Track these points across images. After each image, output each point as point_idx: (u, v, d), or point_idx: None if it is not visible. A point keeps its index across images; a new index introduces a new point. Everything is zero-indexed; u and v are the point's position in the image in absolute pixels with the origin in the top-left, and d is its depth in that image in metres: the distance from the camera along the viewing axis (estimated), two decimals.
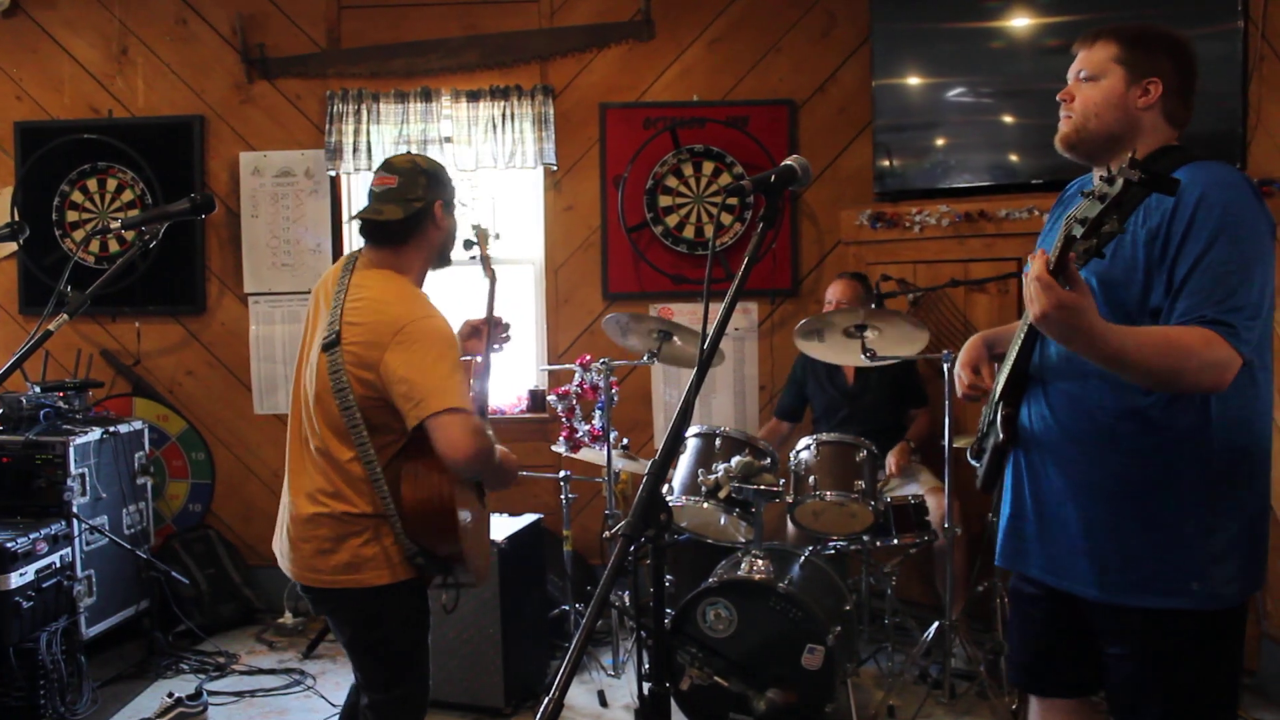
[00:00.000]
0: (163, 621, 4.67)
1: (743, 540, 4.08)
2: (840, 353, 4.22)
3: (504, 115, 5.06)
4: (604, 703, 4.06)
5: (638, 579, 3.91)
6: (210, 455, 5.38)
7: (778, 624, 3.54)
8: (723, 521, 4.09)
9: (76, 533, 4.16)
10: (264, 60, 5.20)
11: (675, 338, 4.20)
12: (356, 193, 5.33)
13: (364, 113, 5.10)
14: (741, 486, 3.80)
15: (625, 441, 4.54)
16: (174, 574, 4.53)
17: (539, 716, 1.48)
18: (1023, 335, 2.22)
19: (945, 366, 3.85)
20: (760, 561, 3.66)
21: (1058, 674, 2.33)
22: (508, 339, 3.08)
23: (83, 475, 4.27)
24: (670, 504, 3.53)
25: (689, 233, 5.14)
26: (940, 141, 4.81)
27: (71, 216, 5.29)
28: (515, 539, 4.00)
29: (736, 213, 5.12)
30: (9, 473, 4.15)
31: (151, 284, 5.27)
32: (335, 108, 5.10)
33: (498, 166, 5.08)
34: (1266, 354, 2.01)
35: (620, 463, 4.36)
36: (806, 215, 5.16)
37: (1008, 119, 4.66)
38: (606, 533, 4.34)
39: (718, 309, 1.89)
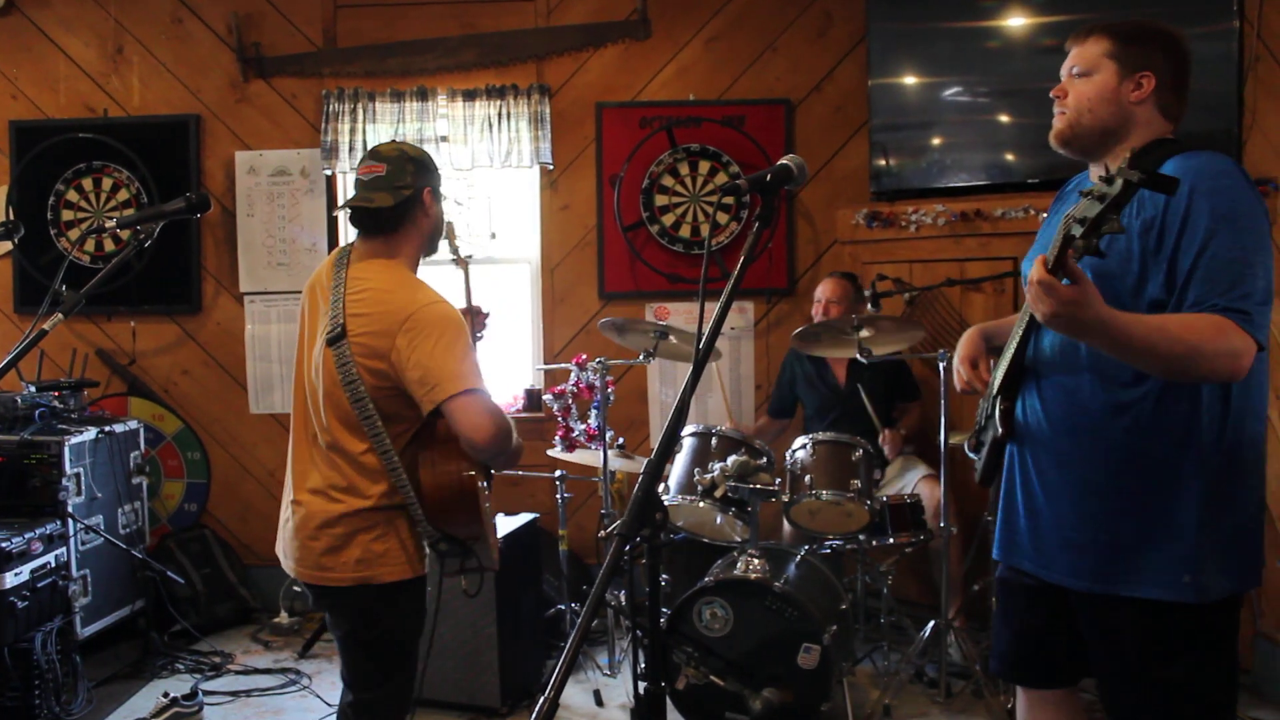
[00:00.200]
0: (158, 621, 4.66)
1: (739, 539, 4.08)
2: (836, 351, 4.24)
3: (500, 114, 5.06)
4: (600, 702, 4.06)
5: (633, 578, 3.91)
6: (206, 455, 5.37)
7: (774, 623, 3.54)
8: (719, 520, 4.09)
9: (71, 532, 4.16)
10: (260, 59, 5.20)
11: (671, 336, 4.20)
12: (352, 192, 5.31)
13: (360, 112, 5.09)
14: (737, 485, 3.81)
15: (621, 441, 4.54)
16: (169, 574, 4.53)
17: (535, 716, 1.48)
18: (1021, 329, 2.23)
19: (941, 365, 3.85)
20: (756, 561, 3.66)
21: (1040, 664, 2.34)
22: (486, 326, 3.07)
23: (78, 475, 4.26)
24: (666, 503, 3.54)
25: (685, 232, 5.14)
26: (936, 141, 4.82)
27: (67, 216, 5.28)
28: (511, 538, 4.00)
29: (733, 212, 5.12)
30: (4, 472, 4.14)
31: (147, 283, 5.26)
32: (331, 107, 5.10)
33: (494, 166, 5.08)
34: (1263, 346, 2.01)
35: (616, 462, 4.36)
36: (802, 214, 5.16)
37: (1004, 118, 4.66)
38: (602, 532, 4.34)
39: (714, 308, 1.89)
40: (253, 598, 5.17)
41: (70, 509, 4.16)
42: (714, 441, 4.04)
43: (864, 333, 4.01)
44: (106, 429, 4.50)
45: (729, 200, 5.08)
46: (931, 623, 4.00)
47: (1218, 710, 2.13)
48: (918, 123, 4.85)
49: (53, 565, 3.99)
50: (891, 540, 4.01)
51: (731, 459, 3.86)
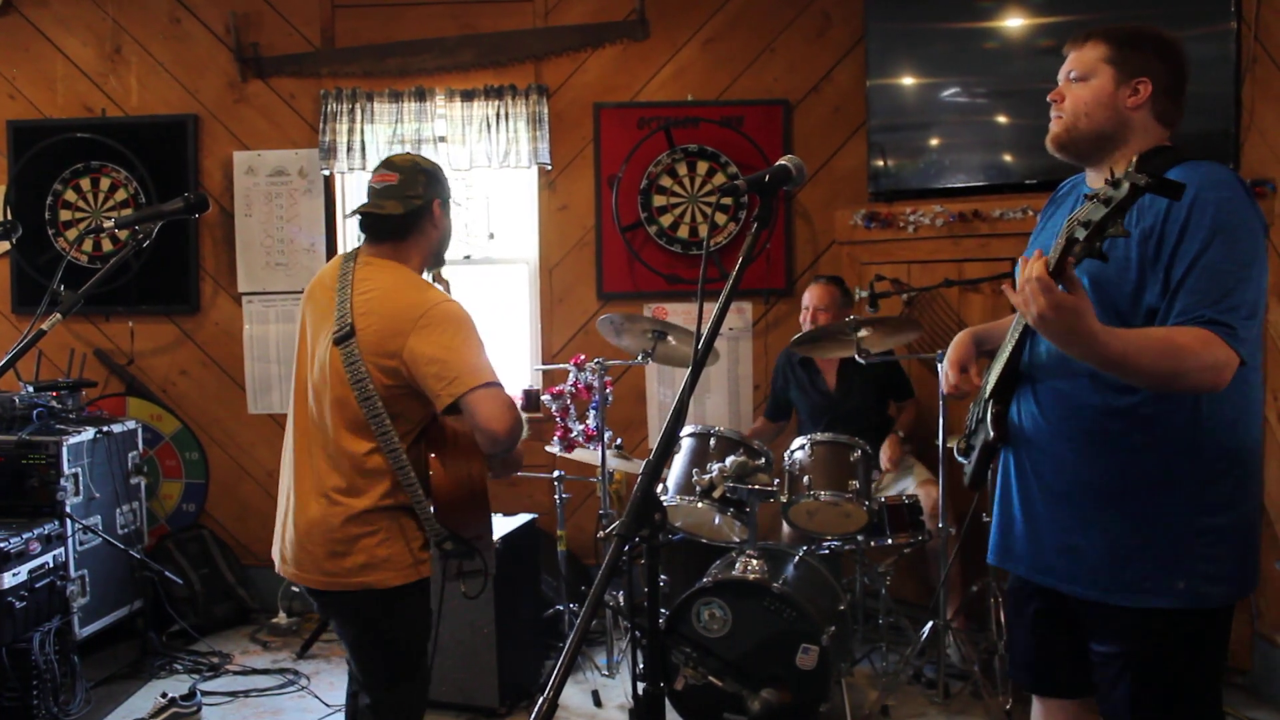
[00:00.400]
0: (156, 622, 4.66)
1: (737, 540, 4.08)
2: (836, 351, 4.25)
3: (498, 115, 5.06)
4: (598, 703, 4.06)
5: (632, 578, 3.91)
6: (204, 455, 5.37)
7: (772, 624, 3.54)
8: (717, 521, 4.09)
9: (70, 533, 4.16)
10: (258, 59, 5.20)
11: (669, 337, 4.20)
12: (350, 192, 5.32)
13: (358, 112, 5.09)
14: (736, 486, 3.81)
15: (619, 441, 4.54)
16: (168, 574, 4.53)
17: (534, 716, 1.48)
18: (1016, 333, 2.23)
19: (940, 366, 3.85)
20: (755, 561, 3.66)
21: (1058, 674, 2.33)
22: None
23: (76, 475, 4.26)
24: (665, 503, 3.54)
25: (683, 232, 5.14)
26: (934, 141, 4.82)
27: (65, 216, 5.28)
28: (510, 539, 4.00)
29: (731, 212, 5.12)
30: (2, 472, 4.14)
31: (145, 283, 5.26)
32: (329, 107, 5.10)
33: (492, 166, 5.08)
34: (1257, 355, 2.02)
35: (614, 462, 4.36)
36: (801, 215, 5.16)
37: (1002, 119, 4.67)
38: (601, 532, 4.34)
39: (712, 309, 1.89)
40: (251, 598, 5.17)
41: (68, 509, 4.16)
42: (712, 442, 4.04)
43: (861, 333, 4.02)
44: (104, 429, 4.50)
45: (727, 201, 5.08)
46: (930, 623, 4.00)
47: (1207, 711, 2.13)
48: (916, 123, 4.85)
49: (51, 565, 3.99)
50: (890, 541, 4.01)
51: (730, 459, 3.86)
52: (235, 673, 4.49)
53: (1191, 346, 1.91)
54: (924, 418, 4.65)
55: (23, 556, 3.84)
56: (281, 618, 4.97)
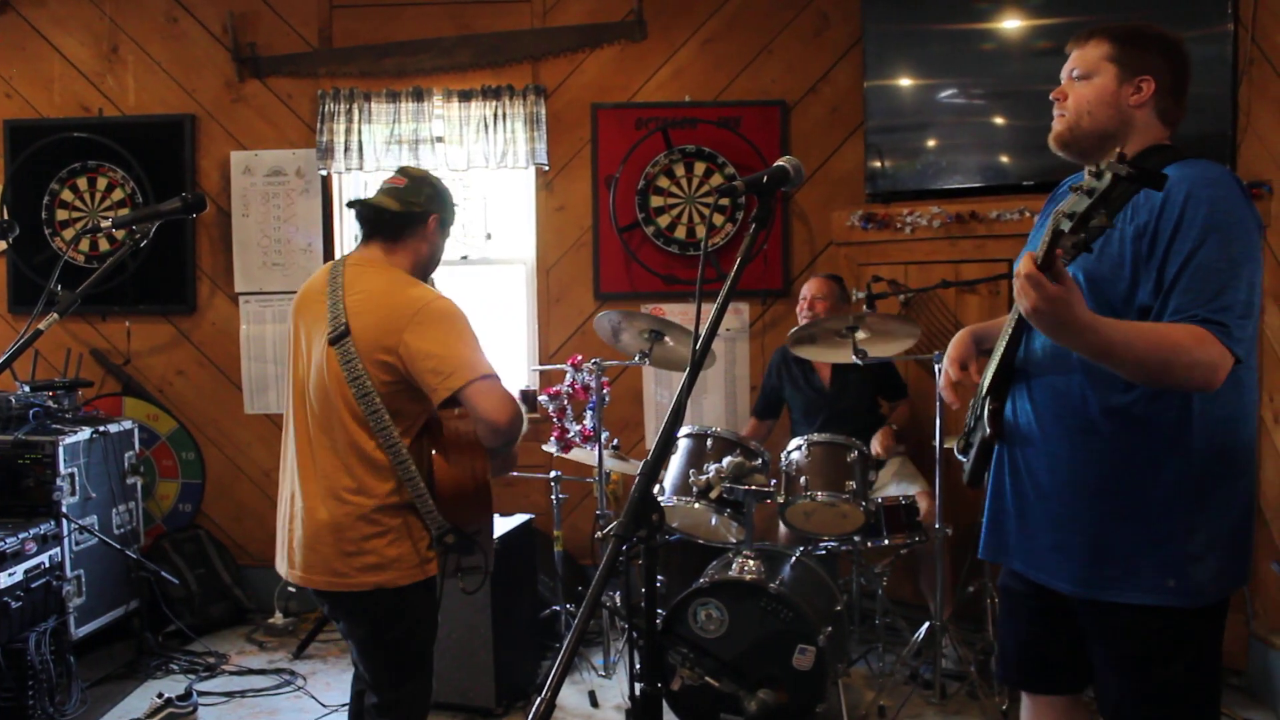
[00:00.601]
0: (152, 622, 4.66)
1: (734, 540, 4.08)
2: (832, 353, 4.24)
3: (496, 115, 5.06)
4: (595, 703, 4.06)
5: (629, 579, 3.91)
6: (200, 455, 5.37)
7: (769, 624, 3.54)
8: (714, 522, 4.09)
9: (65, 532, 4.15)
10: (255, 59, 5.19)
11: (666, 337, 4.20)
12: (348, 192, 5.32)
13: (355, 112, 5.09)
14: (733, 487, 3.80)
15: (616, 442, 4.54)
16: (164, 574, 4.52)
17: (531, 717, 1.48)
18: (1010, 329, 2.23)
19: (936, 367, 3.85)
20: (751, 562, 3.67)
21: (1046, 670, 2.34)
22: None
23: (72, 475, 4.25)
24: (662, 504, 3.54)
25: (681, 233, 5.14)
26: (932, 143, 4.82)
27: (61, 215, 5.27)
28: (506, 539, 4.00)
29: (728, 213, 5.12)
30: None
31: (142, 283, 5.26)
32: (327, 107, 5.09)
33: (489, 166, 5.08)
34: (1252, 354, 2.02)
35: (611, 463, 4.36)
36: (798, 216, 5.16)
37: (999, 120, 4.67)
38: (598, 533, 4.34)
39: (709, 309, 1.89)
40: (247, 598, 5.16)
41: (64, 509, 4.15)
42: (709, 443, 4.04)
43: (860, 334, 4.02)
44: (101, 429, 4.50)
45: (725, 202, 5.08)
46: (926, 624, 4.01)
47: (1204, 711, 2.13)
48: (913, 124, 4.85)
49: (47, 565, 3.98)
50: (886, 541, 4.01)
51: (727, 460, 3.85)
52: (231, 673, 4.48)
53: (1185, 343, 1.91)
54: (920, 419, 4.65)
55: (18, 556, 3.83)
56: (278, 618, 4.96)
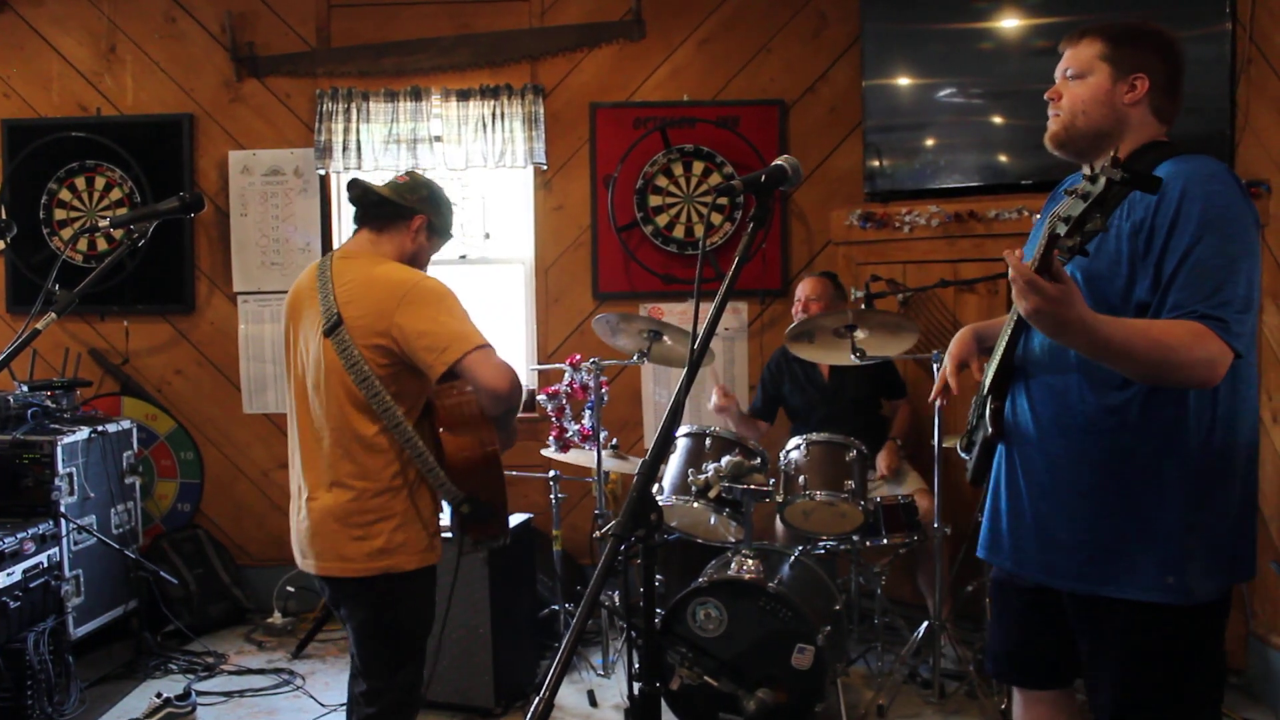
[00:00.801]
0: (151, 622, 4.65)
1: (732, 540, 4.08)
2: (830, 353, 4.24)
3: (494, 114, 5.06)
4: (594, 703, 4.06)
5: (628, 579, 3.91)
6: (199, 455, 5.36)
7: (767, 624, 3.54)
8: (713, 521, 4.09)
9: (64, 532, 4.14)
10: (253, 59, 5.19)
11: (665, 337, 4.20)
12: (346, 192, 5.31)
13: (354, 111, 5.09)
14: (731, 486, 3.80)
15: (615, 441, 4.54)
16: (162, 574, 4.52)
17: (530, 716, 1.48)
18: (1010, 329, 2.23)
19: (935, 366, 3.85)
20: (750, 561, 3.66)
21: (1035, 664, 2.35)
22: None
23: (70, 475, 4.25)
24: (660, 503, 3.54)
25: (679, 232, 5.14)
26: (930, 142, 4.82)
27: (59, 215, 5.27)
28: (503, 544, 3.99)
29: (726, 212, 5.12)
30: None
31: (140, 283, 5.25)
32: (325, 106, 5.09)
33: (488, 166, 5.08)
34: (1251, 350, 2.02)
35: (610, 462, 4.36)
36: (796, 215, 5.17)
37: (997, 120, 4.67)
38: (597, 533, 4.34)
39: (708, 309, 1.89)
40: (246, 598, 5.16)
41: (63, 509, 4.15)
42: (708, 442, 4.04)
43: (858, 334, 4.02)
44: (99, 429, 4.49)
45: (723, 201, 5.08)
46: (925, 623, 4.01)
47: (1203, 710, 2.13)
48: (911, 124, 4.85)
49: (45, 565, 3.98)
50: (885, 541, 4.01)
51: (725, 459, 3.86)
52: (230, 673, 4.48)
53: (1184, 339, 1.91)
54: (919, 420, 4.65)
55: (17, 556, 3.82)
56: (277, 618, 4.96)
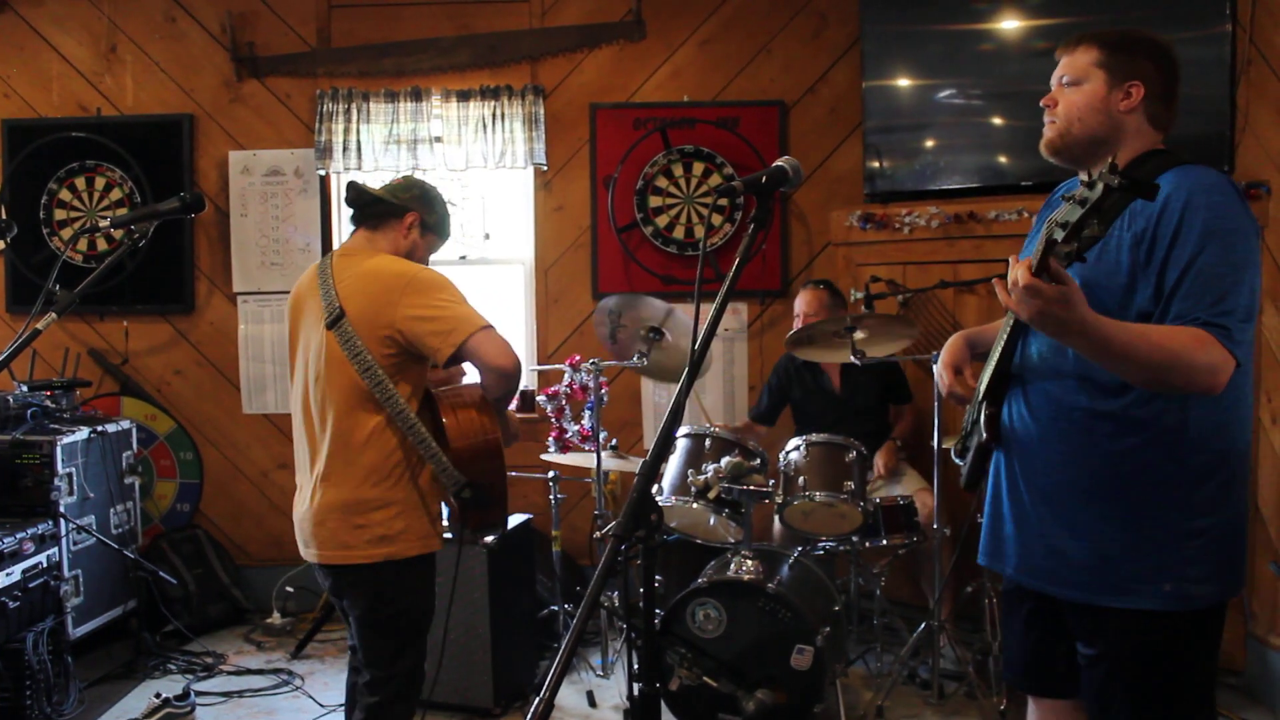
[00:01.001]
0: (150, 622, 4.65)
1: (732, 540, 4.08)
2: (830, 354, 4.24)
3: (494, 115, 5.06)
4: (593, 703, 4.06)
5: (627, 579, 3.91)
6: (199, 455, 5.36)
7: (767, 624, 3.54)
8: (712, 522, 4.09)
9: (63, 532, 4.15)
10: (253, 59, 5.19)
11: (667, 335, 4.20)
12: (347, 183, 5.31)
13: (354, 112, 5.09)
14: (731, 487, 3.80)
15: (614, 442, 4.54)
16: (162, 574, 4.52)
17: (529, 717, 1.48)
18: (1006, 334, 2.23)
19: (934, 367, 3.85)
20: (749, 562, 3.66)
21: (1051, 674, 2.34)
22: None
23: (70, 475, 4.25)
24: (660, 504, 3.54)
25: (679, 233, 5.15)
26: (930, 143, 4.82)
27: (59, 215, 5.27)
28: (504, 539, 3.99)
29: (726, 213, 5.13)
30: None
31: (140, 283, 5.26)
32: (325, 107, 5.09)
33: (488, 166, 5.08)
34: (1248, 360, 2.02)
35: (610, 463, 4.36)
36: (796, 216, 5.17)
37: (997, 121, 4.67)
38: (596, 533, 4.34)
39: (708, 309, 1.89)
40: (245, 598, 5.16)
41: (62, 509, 4.15)
42: (708, 443, 4.04)
43: (858, 335, 4.02)
44: (99, 429, 4.49)
45: (723, 202, 5.08)
46: (924, 624, 4.01)
47: (1199, 714, 2.13)
48: (911, 125, 4.85)
49: (44, 565, 3.98)
50: (884, 542, 4.01)
51: (725, 460, 3.85)
52: (229, 673, 4.48)
53: (1188, 344, 1.91)
54: (920, 422, 4.65)
55: (16, 556, 3.82)
56: (276, 618, 4.96)
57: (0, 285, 5.34)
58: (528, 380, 5.27)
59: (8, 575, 3.76)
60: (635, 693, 1.86)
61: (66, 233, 5.25)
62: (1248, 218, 2.02)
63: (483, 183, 5.38)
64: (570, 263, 5.24)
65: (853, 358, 4.00)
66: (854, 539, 4.01)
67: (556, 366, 4.64)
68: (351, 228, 2.91)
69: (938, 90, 4.77)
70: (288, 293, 2.95)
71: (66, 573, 4.16)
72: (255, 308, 5.27)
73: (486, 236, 5.41)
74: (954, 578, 4.28)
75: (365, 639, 2.77)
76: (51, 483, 4.13)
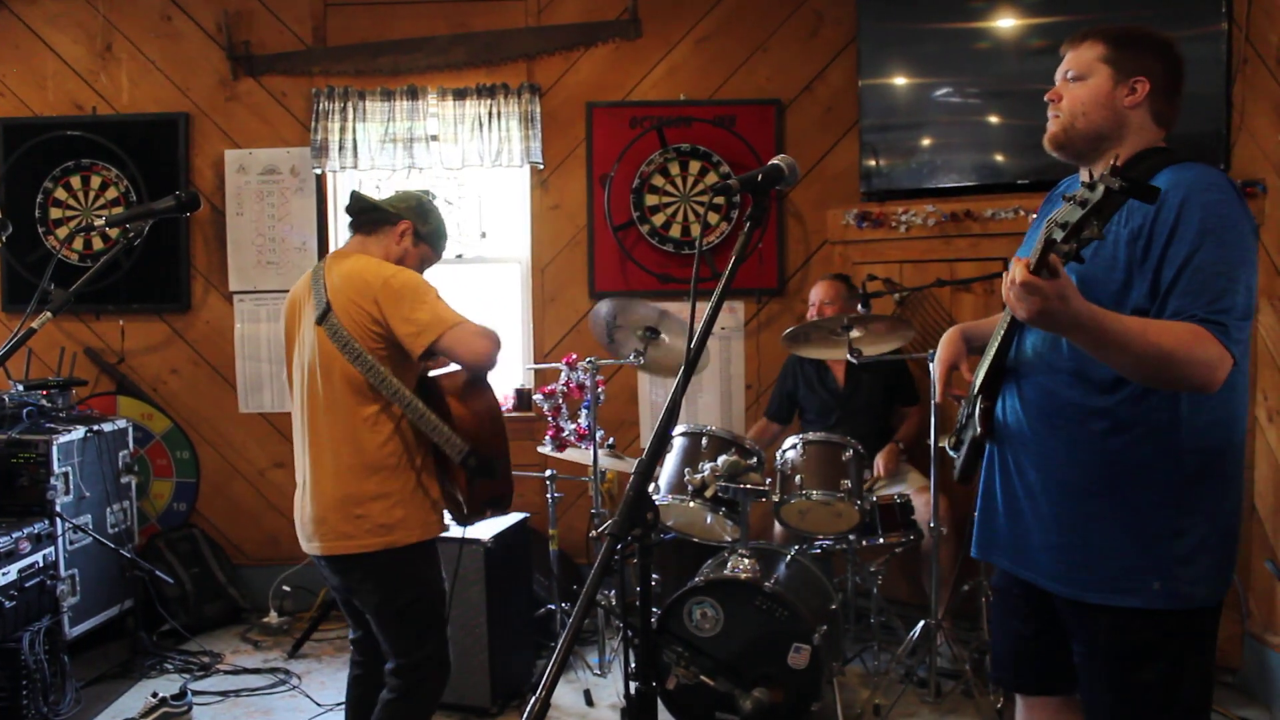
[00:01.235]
0: (147, 621, 4.65)
1: (729, 539, 4.08)
2: (827, 351, 4.24)
3: (490, 114, 5.05)
4: (590, 702, 4.06)
5: (624, 578, 3.91)
6: (195, 454, 5.36)
7: (764, 623, 3.54)
8: (709, 520, 4.09)
9: (60, 532, 4.14)
10: (249, 57, 5.18)
11: (663, 335, 4.20)
12: (342, 190, 5.31)
13: (350, 110, 5.08)
14: (728, 485, 3.80)
15: (611, 441, 4.54)
16: (158, 573, 4.51)
17: (526, 716, 1.48)
18: (1003, 329, 2.23)
19: (931, 365, 3.85)
20: (746, 560, 3.67)
21: (1039, 671, 2.34)
22: None
23: (66, 474, 4.24)
24: (657, 503, 3.54)
25: (675, 232, 5.15)
26: (926, 141, 4.83)
27: (55, 214, 5.26)
28: (501, 538, 3.99)
29: (723, 212, 5.13)
30: None
31: (136, 282, 5.25)
32: (321, 105, 5.09)
33: (484, 165, 5.07)
34: (1244, 359, 2.02)
35: (606, 462, 4.36)
36: (793, 215, 5.17)
37: (993, 119, 4.68)
38: (593, 532, 4.34)
39: (704, 308, 1.89)
40: (242, 597, 5.15)
41: (58, 508, 4.14)
42: (704, 441, 4.04)
43: (854, 333, 4.02)
44: (95, 428, 4.49)
45: (719, 200, 5.08)
46: (921, 622, 4.01)
47: (1193, 714, 2.13)
48: (908, 123, 4.86)
49: (41, 565, 3.98)
50: (881, 540, 4.02)
51: (722, 459, 3.85)
52: (226, 672, 4.47)
53: (1185, 340, 1.90)
54: (926, 424, 4.65)
55: (12, 556, 3.82)
56: (272, 617, 4.95)
57: None
58: (525, 379, 5.27)
59: (4, 574, 3.75)
60: (632, 691, 1.85)
61: (62, 231, 5.24)
62: (1245, 215, 2.02)
63: (479, 181, 5.37)
64: (566, 261, 5.24)
65: (849, 356, 4.01)
66: (851, 538, 4.01)
67: (553, 365, 4.64)
68: (349, 230, 3.00)
69: (934, 89, 4.77)
70: (284, 292, 3.00)
71: (63, 572, 4.15)
72: (251, 306, 5.27)
73: (483, 235, 5.40)
74: (951, 576, 4.28)
75: (386, 630, 2.85)
76: (48, 482, 4.12)
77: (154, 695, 3.91)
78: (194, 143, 5.26)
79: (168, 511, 5.35)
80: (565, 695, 4.10)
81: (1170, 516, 2.05)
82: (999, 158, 4.66)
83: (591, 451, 4.24)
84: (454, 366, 2.85)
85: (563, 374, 4.48)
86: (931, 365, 3.79)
